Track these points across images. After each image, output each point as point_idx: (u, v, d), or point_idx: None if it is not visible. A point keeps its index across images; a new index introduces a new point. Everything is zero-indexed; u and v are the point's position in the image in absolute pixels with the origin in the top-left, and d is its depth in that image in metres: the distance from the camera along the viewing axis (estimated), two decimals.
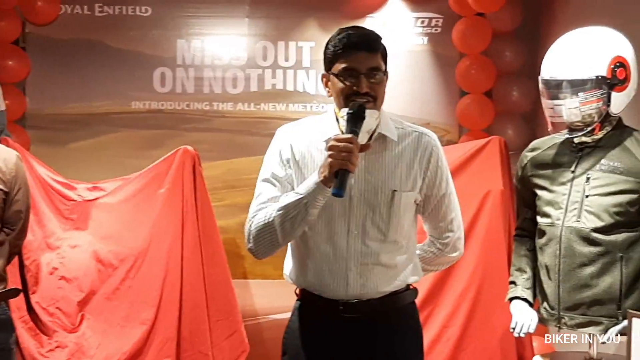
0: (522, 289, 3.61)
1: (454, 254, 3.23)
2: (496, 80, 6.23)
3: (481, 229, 4.67)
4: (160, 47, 6.23)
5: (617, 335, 3.31)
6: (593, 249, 3.34)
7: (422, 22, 6.34)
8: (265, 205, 2.95)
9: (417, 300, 4.48)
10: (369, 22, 6.18)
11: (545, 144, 3.59)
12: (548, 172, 3.51)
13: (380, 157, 2.99)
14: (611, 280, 3.33)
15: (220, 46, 6.26)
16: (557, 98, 3.35)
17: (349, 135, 2.77)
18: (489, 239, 4.67)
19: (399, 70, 6.19)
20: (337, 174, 2.76)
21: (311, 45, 6.13)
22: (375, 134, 2.98)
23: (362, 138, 2.91)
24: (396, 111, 6.11)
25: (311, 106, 6.18)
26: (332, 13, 6.19)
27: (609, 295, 3.33)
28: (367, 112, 2.86)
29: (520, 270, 3.66)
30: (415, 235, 3.12)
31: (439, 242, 3.20)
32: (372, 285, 2.97)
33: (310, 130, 3.00)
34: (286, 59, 6.24)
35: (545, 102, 3.41)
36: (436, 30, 6.32)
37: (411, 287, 3.11)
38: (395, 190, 2.96)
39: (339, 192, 2.76)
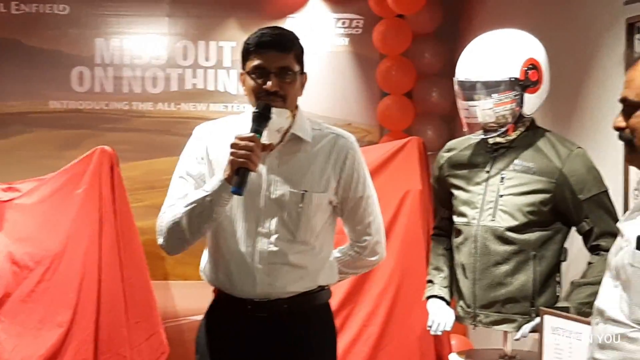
0: (439, 287, 3.65)
1: (373, 258, 3.24)
2: (416, 81, 6.28)
3: (400, 229, 4.71)
4: (78, 46, 6.13)
5: (530, 332, 3.36)
6: (507, 248, 3.39)
7: (343, 23, 6.36)
8: (176, 202, 2.95)
9: (337, 300, 4.59)
10: (290, 23, 6.18)
11: (461, 145, 3.64)
12: (464, 172, 3.55)
13: (292, 158, 2.99)
14: (525, 278, 3.38)
15: (140, 45, 6.19)
16: (471, 99, 3.39)
17: (251, 134, 2.79)
18: (408, 239, 4.70)
19: (321, 71, 6.20)
20: (238, 172, 2.76)
21: (232, 45, 6.11)
22: (289, 134, 2.98)
23: (273, 137, 2.93)
24: (318, 112, 6.13)
25: (232, 106, 6.16)
26: (253, 13, 6.17)
27: (522, 293, 3.39)
28: (275, 111, 2.87)
29: (437, 269, 3.70)
30: (332, 238, 3.13)
31: (357, 246, 3.20)
32: (279, 285, 2.97)
33: (226, 129, 2.99)
34: (207, 59, 6.20)
35: (460, 103, 3.45)
36: (357, 31, 6.35)
37: (326, 287, 3.12)
38: (306, 191, 2.97)
39: (237, 191, 2.77)
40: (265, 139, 2.88)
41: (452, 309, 3.60)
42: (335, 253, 3.20)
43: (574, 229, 3.42)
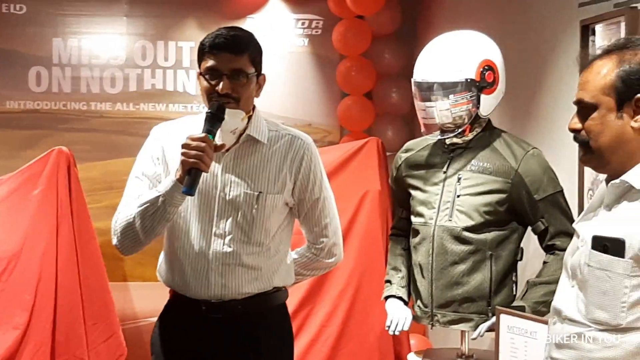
0: (397, 287, 3.66)
1: (330, 260, 3.25)
2: (376, 81, 6.31)
3: (359, 229, 4.72)
4: (35, 45, 6.08)
5: (487, 331, 3.39)
6: (464, 248, 3.41)
7: (303, 23, 6.37)
8: (130, 202, 2.94)
9: (296, 300, 4.60)
10: (249, 23, 6.18)
11: (418, 145, 3.65)
12: (421, 172, 3.57)
13: (248, 159, 2.99)
14: (481, 278, 3.41)
15: (98, 45, 6.15)
16: (428, 100, 3.40)
17: (202, 135, 2.78)
18: (367, 239, 4.72)
19: (281, 72, 6.21)
20: (190, 173, 2.76)
21: (191, 45, 6.09)
22: (244, 135, 2.98)
23: (228, 139, 2.93)
24: (278, 112, 6.14)
25: (192, 106, 6.14)
26: (212, 13, 6.16)
27: (479, 293, 3.41)
28: (230, 112, 2.86)
29: (395, 269, 3.71)
30: (289, 239, 3.13)
31: (314, 247, 3.21)
32: (234, 286, 2.97)
33: (182, 130, 2.98)
34: (166, 59, 6.18)
35: (418, 104, 3.47)
36: (316, 32, 6.36)
37: (284, 288, 3.13)
38: (260, 192, 2.97)
39: (188, 191, 2.77)
40: (219, 140, 2.88)
41: (410, 309, 3.62)
42: (293, 255, 3.21)
43: (529, 228, 3.45)
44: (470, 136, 3.46)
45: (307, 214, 3.12)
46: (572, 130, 2.24)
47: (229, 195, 2.96)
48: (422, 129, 3.51)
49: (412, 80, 3.47)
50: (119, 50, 6.15)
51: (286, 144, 3.04)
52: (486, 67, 3.39)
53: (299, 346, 4.63)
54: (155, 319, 3.16)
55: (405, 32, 6.33)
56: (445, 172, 3.48)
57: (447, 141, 3.49)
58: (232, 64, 2.88)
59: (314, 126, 6.43)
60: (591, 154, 2.21)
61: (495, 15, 4.73)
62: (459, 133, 3.43)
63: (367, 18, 6.21)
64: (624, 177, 2.17)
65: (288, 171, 3.02)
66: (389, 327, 3.58)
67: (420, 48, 3.56)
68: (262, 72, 3.01)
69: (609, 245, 2.13)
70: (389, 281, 3.71)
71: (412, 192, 3.59)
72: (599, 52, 2.26)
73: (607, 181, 2.24)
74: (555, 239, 3.35)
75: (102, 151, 6.06)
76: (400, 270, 3.68)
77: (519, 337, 2.98)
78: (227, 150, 2.97)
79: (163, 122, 3.16)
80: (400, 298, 3.64)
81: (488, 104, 3.42)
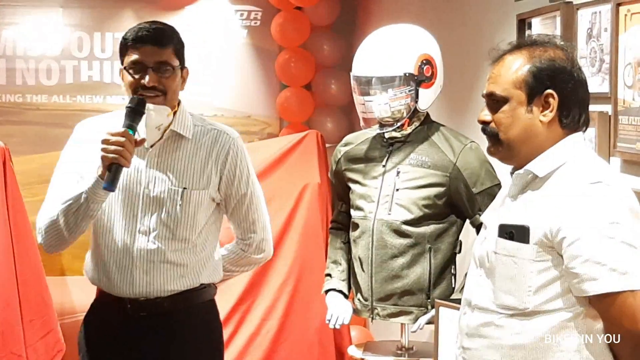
0: (337, 280, 3.67)
1: (259, 256, 3.25)
2: (315, 73, 6.31)
3: (299, 222, 4.72)
4: None
5: (427, 323, 3.42)
6: (403, 241, 3.43)
7: (242, 15, 6.34)
8: (54, 200, 2.91)
9: (236, 295, 4.60)
10: (187, 14, 6.14)
11: (358, 139, 3.66)
12: (361, 166, 3.58)
13: (173, 154, 2.98)
14: (420, 271, 3.43)
15: (34, 36, 6.06)
16: (367, 94, 3.41)
17: (122, 130, 2.76)
18: (307, 232, 4.72)
19: (219, 63, 6.18)
20: (110, 168, 2.74)
21: None
22: (169, 130, 2.96)
23: (152, 135, 2.92)
24: (217, 104, 6.12)
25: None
26: (149, 4, 6.11)
27: (418, 286, 3.43)
28: (154, 107, 2.85)
29: (335, 262, 3.72)
30: (217, 236, 3.13)
31: (242, 243, 3.21)
32: (159, 284, 2.96)
33: (107, 125, 2.94)
34: (102, 50, 6.11)
35: (357, 98, 3.48)
36: (255, 23, 6.34)
37: (212, 285, 3.12)
38: (185, 188, 2.96)
39: (109, 187, 2.76)
40: (142, 135, 2.86)
41: (350, 302, 3.63)
42: (222, 251, 3.20)
43: (468, 221, 3.48)
44: (408, 130, 3.48)
45: (235, 210, 3.11)
46: (482, 122, 2.31)
47: (153, 191, 2.95)
48: (362, 123, 3.52)
49: (351, 74, 3.48)
50: (55, 42, 6.07)
51: (212, 139, 3.03)
52: (424, 62, 3.41)
53: (239, 340, 4.63)
54: None
55: (344, 24, 6.35)
56: (384, 166, 3.50)
57: (386, 135, 3.50)
58: (157, 56, 2.87)
59: (254, 118, 6.42)
60: (500, 145, 2.28)
61: (433, 9, 4.75)
62: (397, 127, 3.44)
63: (305, 10, 6.21)
64: (527, 167, 2.26)
65: (214, 166, 3.01)
66: (329, 320, 3.59)
67: (359, 40, 3.56)
68: (186, 65, 3.00)
69: (515, 232, 2.21)
70: (329, 275, 3.72)
71: (352, 185, 3.60)
72: (508, 47, 2.35)
73: (512, 173, 2.31)
74: None
75: (38, 144, 5.98)
76: (340, 264, 3.69)
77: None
78: (152, 146, 2.95)
79: (87, 118, 3.14)
80: (340, 291, 3.65)
81: (426, 98, 3.44)
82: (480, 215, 3.38)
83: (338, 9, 6.29)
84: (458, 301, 3.16)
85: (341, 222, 3.75)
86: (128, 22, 6.06)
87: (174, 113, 2.96)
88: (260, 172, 4.72)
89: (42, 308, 4.77)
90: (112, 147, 2.73)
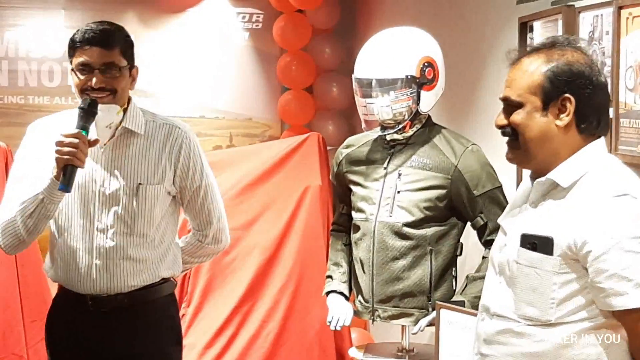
0: (338, 282, 3.68)
1: (217, 246, 3.30)
2: (316, 76, 6.32)
3: (300, 225, 4.72)
4: None
5: (427, 325, 3.42)
6: (404, 243, 3.43)
7: (243, 17, 6.36)
8: (11, 201, 2.95)
9: (237, 297, 4.59)
10: (190, 16, 6.15)
11: (359, 141, 3.66)
12: (362, 168, 3.58)
13: (126, 151, 3.01)
14: (421, 273, 3.43)
15: (36, 38, 6.07)
16: (369, 96, 3.41)
17: (76, 131, 2.79)
18: (308, 234, 4.72)
19: (221, 66, 6.19)
20: (65, 170, 2.78)
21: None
22: (120, 127, 2.99)
23: (103, 133, 2.95)
24: (218, 107, 6.13)
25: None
26: (151, 6, 6.12)
27: (419, 288, 3.43)
28: (104, 107, 2.88)
29: (336, 264, 3.72)
30: (175, 228, 3.17)
31: (199, 234, 3.25)
32: (119, 280, 3.00)
33: (57, 125, 2.98)
34: None
35: (359, 101, 3.48)
36: (257, 26, 6.36)
37: (171, 279, 3.16)
38: (140, 184, 3.00)
39: (65, 188, 2.80)
40: (94, 135, 2.88)
41: (351, 304, 3.64)
42: (179, 243, 3.24)
43: (469, 224, 3.49)
44: (410, 132, 3.48)
45: (190, 202, 3.15)
46: (500, 126, 2.28)
47: (109, 189, 2.98)
48: (363, 125, 3.52)
49: (353, 76, 3.48)
50: (57, 44, 6.07)
51: (164, 134, 3.07)
52: (426, 64, 3.41)
53: (240, 343, 4.63)
54: None
55: (345, 27, 6.35)
56: (385, 168, 3.50)
57: (388, 137, 3.50)
58: (104, 58, 2.90)
59: (255, 120, 6.43)
60: (518, 149, 2.25)
61: (434, 11, 4.76)
62: (399, 129, 3.45)
63: (307, 13, 6.22)
64: (549, 175, 2.21)
65: (167, 160, 3.04)
66: (330, 322, 3.59)
67: (360, 43, 3.57)
68: (135, 64, 3.02)
69: (538, 243, 2.18)
70: (330, 276, 3.72)
71: (353, 187, 3.61)
72: (527, 49, 2.32)
73: (532, 178, 2.28)
74: (494, 234, 3.32)
75: None
76: (341, 266, 3.70)
77: (459, 331, 3.02)
78: (105, 144, 2.98)
79: (39, 118, 3.16)
80: (341, 293, 3.65)
81: (428, 100, 3.44)
82: (481, 217, 3.40)
83: (339, 12, 6.30)
84: (459, 303, 3.18)
85: (342, 224, 3.76)
86: (130, 24, 6.06)
87: (125, 110, 2.99)
88: (262, 174, 4.74)
89: (43, 309, 4.74)
90: (66, 149, 2.77)
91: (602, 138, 2.25)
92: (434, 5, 4.81)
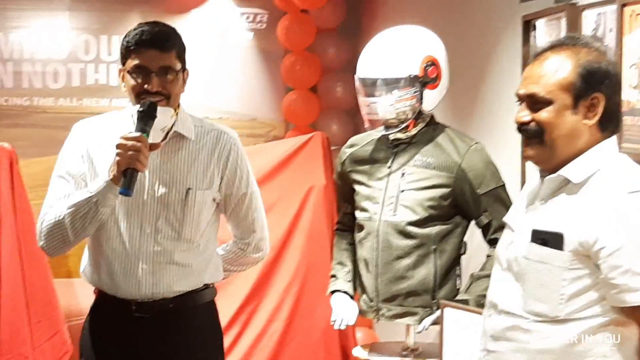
0: (342, 282, 3.68)
1: (257, 255, 3.27)
2: (321, 76, 6.32)
3: (304, 224, 4.72)
4: None
5: (432, 324, 3.42)
6: (409, 242, 3.43)
7: (248, 17, 6.36)
8: (56, 203, 2.90)
9: (242, 296, 4.60)
10: (194, 17, 6.15)
11: (363, 140, 3.67)
12: (366, 167, 3.58)
13: (176, 155, 2.98)
14: (426, 272, 3.44)
15: (41, 40, 6.09)
16: (372, 96, 3.41)
17: (138, 134, 2.75)
18: (313, 234, 4.72)
19: (225, 66, 6.19)
20: (126, 173, 2.73)
21: None
22: (171, 132, 2.96)
23: (156, 136, 2.89)
24: (223, 107, 6.14)
25: None
26: (155, 7, 6.13)
27: (423, 286, 3.44)
28: (161, 110, 2.83)
29: (340, 263, 3.72)
30: (216, 235, 3.14)
31: (241, 242, 3.22)
32: (164, 285, 2.96)
33: (106, 126, 2.96)
34: (109, 53, 6.14)
35: (362, 100, 3.48)
36: (261, 26, 6.37)
37: (212, 285, 3.12)
38: (189, 189, 2.96)
39: (126, 192, 2.74)
40: (150, 138, 2.84)
41: (356, 303, 3.64)
42: (219, 251, 3.21)
43: (473, 222, 3.49)
44: (414, 131, 3.48)
45: (235, 210, 3.12)
46: (522, 123, 2.23)
47: (158, 192, 2.94)
48: (366, 125, 3.52)
49: (356, 76, 3.49)
50: (61, 45, 6.09)
51: (213, 139, 3.04)
52: (429, 63, 3.41)
53: (245, 342, 4.63)
54: None
55: (349, 27, 6.36)
56: (389, 167, 3.50)
57: (391, 136, 3.50)
58: (160, 61, 2.85)
59: (259, 120, 6.44)
60: (542, 145, 2.21)
61: (438, 10, 4.76)
62: (402, 128, 3.45)
63: (311, 12, 6.23)
64: (561, 172, 2.20)
65: (216, 166, 3.02)
66: (334, 321, 3.60)
67: (365, 42, 3.57)
68: (187, 67, 2.99)
69: (548, 239, 2.17)
70: (334, 276, 3.72)
71: (357, 187, 3.61)
72: (546, 45, 2.27)
73: (542, 175, 2.27)
74: (498, 232, 3.35)
75: (44, 147, 5.97)
76: (346, 265, 3.70)
77: (463, 329, 3.02)
78: (159, 148, 2.94)
79: (84, 118, 3.11)
80: (345, 292, 3.65)
81: (431, 99, 3.44)
82: (485, 216, 3.40)
83: (344, 11, 6.30)
84: (463, 302, 3.18)
85: (346, 223, 3.76)
86: (134, 25, 6.06)
87: (176, 114, 2.96)
88: (266, 174, 4.73)
89: (48, 310, 4.78)
90: (129, 152, 2.71)
91: (614, 136, 2.24)
92: (437, 4, 4.81)
